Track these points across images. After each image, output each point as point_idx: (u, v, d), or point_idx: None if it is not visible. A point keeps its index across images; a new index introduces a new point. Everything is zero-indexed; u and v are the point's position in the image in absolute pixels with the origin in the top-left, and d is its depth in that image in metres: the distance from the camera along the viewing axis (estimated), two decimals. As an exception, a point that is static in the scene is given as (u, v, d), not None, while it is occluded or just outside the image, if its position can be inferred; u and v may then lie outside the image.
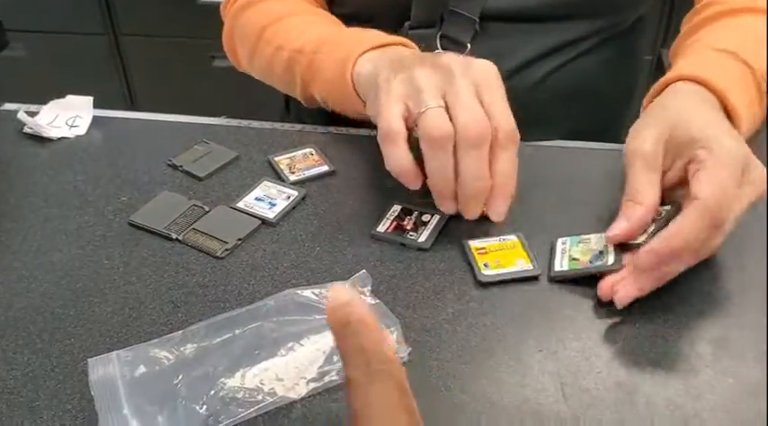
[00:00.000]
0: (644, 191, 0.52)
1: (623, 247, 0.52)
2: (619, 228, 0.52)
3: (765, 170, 0.51)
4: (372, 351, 0.30)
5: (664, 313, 0.50)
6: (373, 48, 0.63)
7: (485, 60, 0.56)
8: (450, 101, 0.53)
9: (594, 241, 0.54)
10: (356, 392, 0.30)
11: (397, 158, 0.54)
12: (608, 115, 0.89)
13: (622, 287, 0.49)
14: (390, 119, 0.54)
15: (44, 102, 0.73)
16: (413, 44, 0.66)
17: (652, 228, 0.52)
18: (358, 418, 0.29)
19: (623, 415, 0.43)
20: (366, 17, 0.77)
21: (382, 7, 0.76)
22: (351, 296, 0.30)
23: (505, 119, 0.53)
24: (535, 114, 0.77)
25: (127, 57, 2.07)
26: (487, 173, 0.53)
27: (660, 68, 0.85)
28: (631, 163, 0.53)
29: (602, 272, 0.51)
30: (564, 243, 0.55)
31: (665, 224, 0.50)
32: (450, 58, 0.56)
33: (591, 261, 0.53)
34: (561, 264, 0.53)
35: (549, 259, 0.54)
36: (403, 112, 0.54)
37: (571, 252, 0.54)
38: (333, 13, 0.80)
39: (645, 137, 0.54)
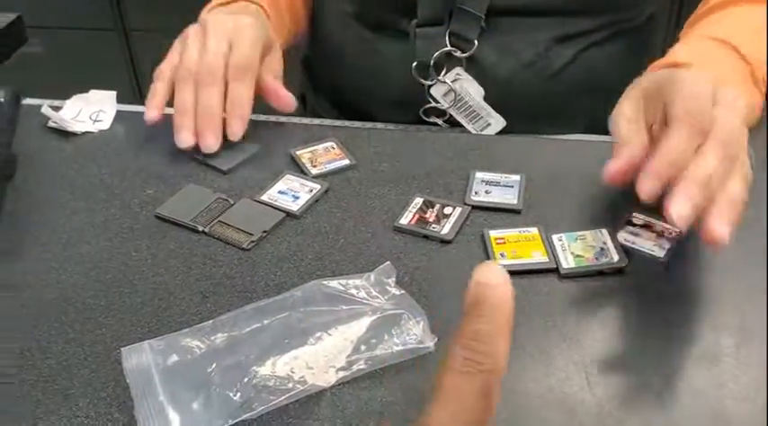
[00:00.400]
0: (630, 136, 0.54)
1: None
2: (612, 167, 0.53)
3: (733, 93, 0.53)
4: (483, 339, 0.29)
5: (687, 302, 0.51)
6: (220, 5, 0.76)
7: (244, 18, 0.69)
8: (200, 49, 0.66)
9: (591, 237, 0.55)
10: (442, 368, 0.29)
11: (152, 91, 0.68)
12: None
13: (671, 204, 0.47)
14: (162, 63, 0.68)
15: (54, 96, 0.74)
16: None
17: (668, 245, 0.53)
18: (431, 396, 0.29)
19: (648, 403, 0.44)
20: (372, 16, 0.78)
21: (388, 6, 0.77)
22: (501, 279, 0.29)
23: (238, 55, 0.66)
24: (552, 108, 0.78)
25: (135, 52, 2.08)
26: (218, 104, 0.65)
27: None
28: (616, 123, 0.56)
29: (610, 269, 0.53)
30: (560, 239, 0.56)
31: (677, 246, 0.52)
32: (215, 21, 0.68)
33: (597, 258, 0.54)
34: (568, 261, 0.54)
35: (553, 256, 0.55)
36: (174, 59, 0.68)
37: (572, 249, 0.55)
38: (340, 10, 0.81)
39: (623, 100, 0.57)
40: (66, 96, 0.74)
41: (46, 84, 1.01)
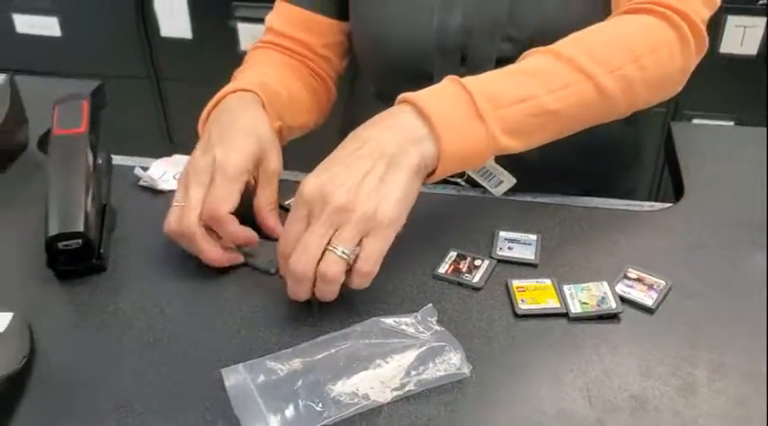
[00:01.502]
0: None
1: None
2: None
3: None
4: None
5: (670, 342, 0.63)
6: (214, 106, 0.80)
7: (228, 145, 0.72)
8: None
9: (594, 288, 0.68)
10: None
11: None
12: (617, 170, 1.00)
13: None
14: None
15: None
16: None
17: (656, 296, 0.67)
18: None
19: (636, 420, 0.56)
20: (392, 94, 0.85)
21: (406, 84, 0.84)
22: None
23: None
24: (556, 168, 0.88)
25: (166, 99, 2.22)
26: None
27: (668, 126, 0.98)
28: None
29: (609, 314, 0.65)
30: (570, 289, 0.68)
31: (664, 296, 0.67)
32: (194, 166, 0.72)
33: (598, 305, 0.66)
34: (575, 307, 0.66)
35: (563, 302, 0.67)
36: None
37: (579, 297, 0.67)
38: (366, 92, 0.91)
39: None
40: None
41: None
